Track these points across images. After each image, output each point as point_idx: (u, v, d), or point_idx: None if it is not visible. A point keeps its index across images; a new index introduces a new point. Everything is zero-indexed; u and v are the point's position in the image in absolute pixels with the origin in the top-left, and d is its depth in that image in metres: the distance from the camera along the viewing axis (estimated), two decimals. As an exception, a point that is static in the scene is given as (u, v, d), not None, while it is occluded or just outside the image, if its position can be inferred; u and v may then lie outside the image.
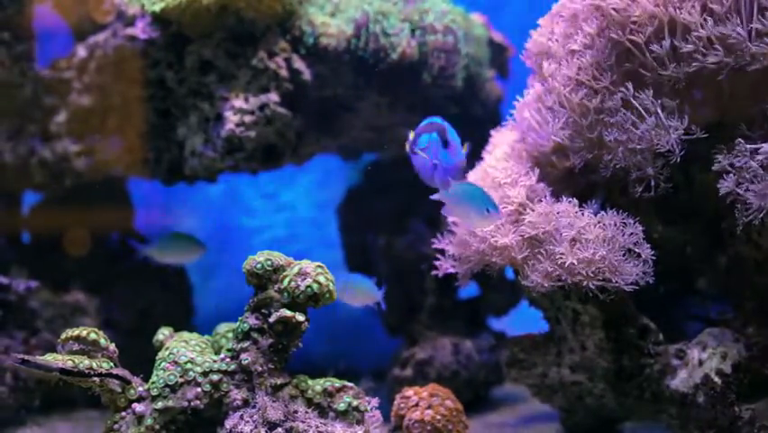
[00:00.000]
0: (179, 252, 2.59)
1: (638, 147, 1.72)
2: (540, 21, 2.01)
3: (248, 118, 2.33)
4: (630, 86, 1.73)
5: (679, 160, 1.70)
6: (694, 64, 1.66)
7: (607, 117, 1.77)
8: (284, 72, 2.37)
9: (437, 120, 1.76)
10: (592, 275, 1.72)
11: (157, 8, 2.34)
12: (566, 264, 1.73)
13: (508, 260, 1.85)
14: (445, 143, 1.71)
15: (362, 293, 2.10)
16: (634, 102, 1.73)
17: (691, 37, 1.65)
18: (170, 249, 2.57)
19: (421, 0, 2.56)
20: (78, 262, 2.74)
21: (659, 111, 1.70)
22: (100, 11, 2.56)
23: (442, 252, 2.00)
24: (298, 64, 2.41)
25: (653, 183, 1.73)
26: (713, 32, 1.63)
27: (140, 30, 2.45)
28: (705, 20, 1.65)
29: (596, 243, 1.72)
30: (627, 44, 1.74)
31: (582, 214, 1.78)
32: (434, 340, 2.66)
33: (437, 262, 2.01)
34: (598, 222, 1.74)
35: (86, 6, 2.59)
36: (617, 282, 1.73)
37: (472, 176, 2.03)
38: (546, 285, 1.77)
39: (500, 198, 1.87)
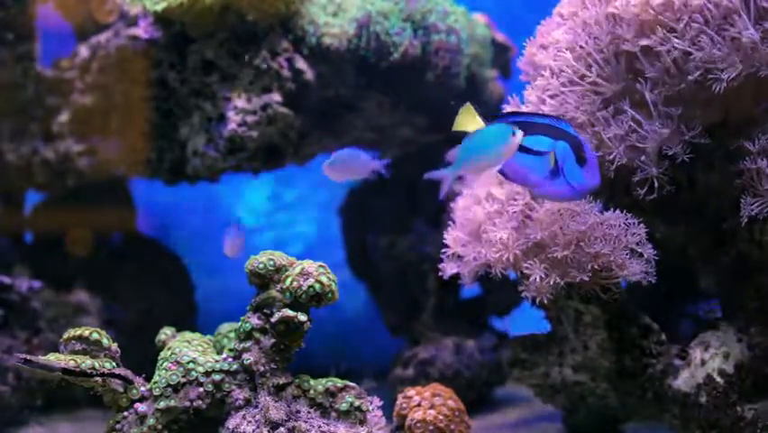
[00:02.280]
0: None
1: (641, 145, 1.70)
2: (538, 27, 2.00)
3: (250, 118, 2.34)
4: (637, 84, 1.72)
5: (687, 160, 1.69)
6: (710, 77, 1.63)
7: (603, 113, 1.75)
8: (286, 72, 2.37)
9: (567, 127, 1.58)
10: (598, 268, 1.71)
11: (159, 8, 2.35)
12: (568, 259, 1.71)
13: (512, 267, 1.84)
14: (581, 160, 1.55)
15: (357, 164, 1.96)
16: (646, 98, 1.71)
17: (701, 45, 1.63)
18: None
19: (424, 0, 2.56)
20: (81, 261, 2.75)
21: (675, 116, 1.69)
22: (102, 11, 2.57)
23: (445, 253, 1.98)
24: (301, 64, 2.41)
25: (656, 184, 1.73)
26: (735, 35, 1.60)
27: (142, 30, 2.46)
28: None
29: (601, 241, 1.72)
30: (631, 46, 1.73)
31: (588, 212, 1.77)
32: (436, 340, 2.66)
33: (442, 265, 1.99)
34: (603, 221, 1.74)
35: (88, 6, 2.60)
36: (621, 276, 1.72)
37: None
38: (547, 293, 1.76)
39: (508, 193, 1.86)
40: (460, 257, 1.95)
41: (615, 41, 1.74)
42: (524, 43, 1.99)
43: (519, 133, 1.54)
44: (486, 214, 1.88)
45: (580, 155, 1.56)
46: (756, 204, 1.64)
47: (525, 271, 1.76)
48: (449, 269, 1.95)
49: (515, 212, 1.81)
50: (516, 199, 1.83)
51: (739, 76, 1.60)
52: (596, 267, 1.71)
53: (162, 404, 1.57)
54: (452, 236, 1.96)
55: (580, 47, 1.77)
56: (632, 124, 1.71)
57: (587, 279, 1.71)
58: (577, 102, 1.76)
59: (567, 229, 1.73)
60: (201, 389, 1.58)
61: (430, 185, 2.78)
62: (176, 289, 2.91)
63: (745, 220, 1.66)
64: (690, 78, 1.66)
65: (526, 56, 1.98)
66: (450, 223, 2.00)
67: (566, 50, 1.79)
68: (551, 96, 1.81)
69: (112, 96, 2.55)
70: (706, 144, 1.71)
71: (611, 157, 1.74)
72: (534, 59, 1.94)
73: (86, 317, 2.64)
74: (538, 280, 1.73)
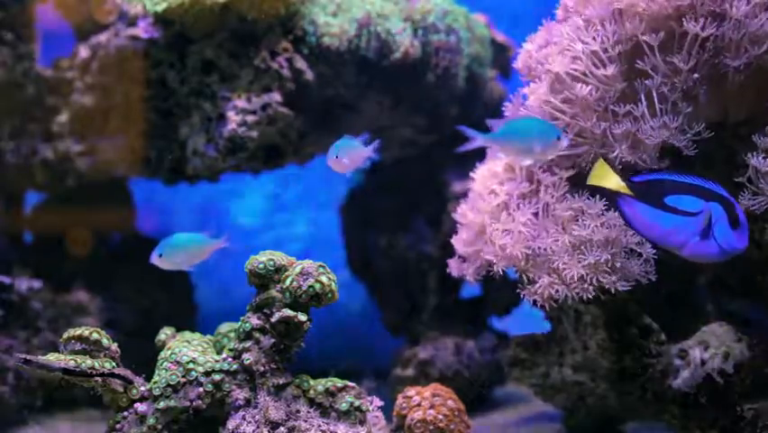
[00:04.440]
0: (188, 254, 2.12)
1: (648, 142, 1.70)
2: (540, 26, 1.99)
3: (250, 118, 2.34)
4: (646, 81, 1.72)
5: (690, 155, 1.69)
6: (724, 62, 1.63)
7: (609, 110, 1.75)
8: (286, 72, 2.37)
9: (717, 188, 1.56)
10: (594, 282, 1.71)
11: (159, 8, 2.34)
12: (569, 275, 1.72)
13: (513, 265, 1.84)
14: (734, 222, 1.52)
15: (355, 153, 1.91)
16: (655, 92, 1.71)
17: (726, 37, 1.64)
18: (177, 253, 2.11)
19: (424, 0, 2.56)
20: (80, 261, 2.75)
21: (679, 112, 1.69)
22: (102, 11, 2.57)
23: (452, 250, 1.98)
24: (300, 64, 2.41)
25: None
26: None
27: (142, 30, 2.45)
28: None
29: (599, 247, 1.71)
30: (642, 41, 1.72)
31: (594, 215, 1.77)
32: (435, 340, 2.66)
33: (450, 261, 2.00)
34: (603, 222, 1.74)
35: (88, 6, 2.60)
36: (616, 284, 1.73)
37: (478, 174, 2.02)
38: (549, 300, 1.76)
39: (520, 192, 1.85)
40: (464, 258, 1.96)
41: (621, 38, 1.74)
42: (523, 43, 1.99)
43: (564, 140, 1.55)
44: (489, 209, 1.88)
45: (734, 217, 1.54)
46: (755, 201, 1.63)
47: (537, 283, 1.76)
48: (456, 268, 1.96)
49: (533, 212, 1.80)
50: (531, 201, 1.83)
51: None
52: (594, 282, 1.71)
53: (162, 404, 1.57)
54: (457, 236, 1.97)
55: (585, 44, 1.77)
56: (640, 118, 1.70)
57: (590, 295, 1.72)
58: (581, 100, 1.76)
59: (571, 234, 1.73)
60: (201, 389, 1.59)
61: (429, 184, 2.80)
62: (176, 289, 2.91)
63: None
64: (695, 75, 1.66)
65: (526, 55, 1.97)
66: (455, 222, 2.00)
67: (570, 47, 1.79)
68: (555, 95, 1.81)
69: (112, 96, 2.55)
70: (706, 144, 1.71)
71: (614, 155, 1.74)
72: (534, 59, 1.94)
73: (85, 317, 2.63)
74: (545, 294, 1.74)
